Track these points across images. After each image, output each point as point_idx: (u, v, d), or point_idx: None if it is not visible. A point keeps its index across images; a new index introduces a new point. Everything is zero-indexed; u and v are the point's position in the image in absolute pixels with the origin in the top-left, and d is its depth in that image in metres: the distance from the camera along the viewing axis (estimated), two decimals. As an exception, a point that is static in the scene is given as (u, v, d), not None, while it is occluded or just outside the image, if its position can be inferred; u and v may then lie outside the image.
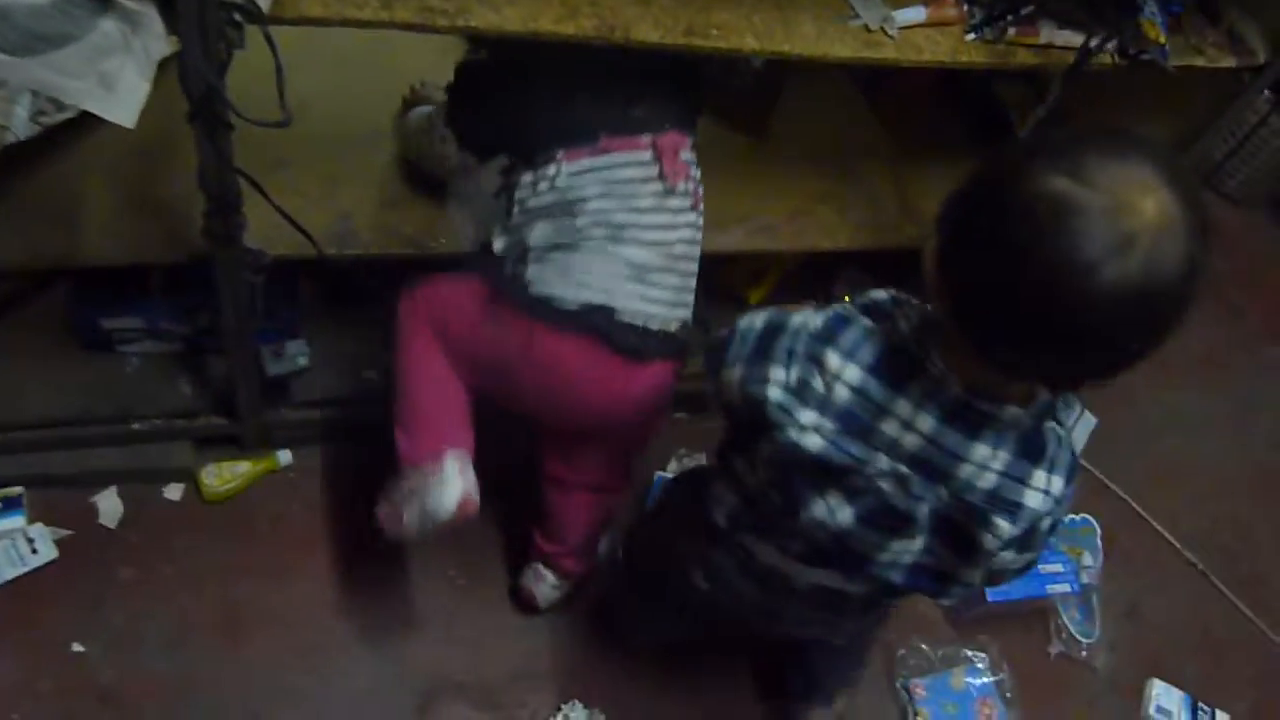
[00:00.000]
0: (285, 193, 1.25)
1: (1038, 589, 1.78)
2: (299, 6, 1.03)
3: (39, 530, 1.51)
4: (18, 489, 1.52)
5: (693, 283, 1.35)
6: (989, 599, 1.74)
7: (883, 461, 1.00)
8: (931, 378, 0.96)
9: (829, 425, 1.00)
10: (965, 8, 1.35)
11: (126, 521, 1.57)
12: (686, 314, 1.35)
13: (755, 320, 1.08)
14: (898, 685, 1.72)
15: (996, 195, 0.86)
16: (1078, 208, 0.79)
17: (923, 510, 1.01)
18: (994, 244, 0.85)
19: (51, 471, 1.54)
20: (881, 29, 1.30)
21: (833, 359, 1.00)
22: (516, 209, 1.29)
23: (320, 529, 1.64)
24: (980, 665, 1.76)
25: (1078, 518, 2.00)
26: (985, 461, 0.97)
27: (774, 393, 1.01)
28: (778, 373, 1.02)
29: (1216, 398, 2.27)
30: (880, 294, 1.09)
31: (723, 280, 1.87)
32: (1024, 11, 1.37)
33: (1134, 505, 2.04)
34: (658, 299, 1.30)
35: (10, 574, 1.48)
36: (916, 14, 1.32)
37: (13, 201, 1.28)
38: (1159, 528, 2.03)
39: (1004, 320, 0.87)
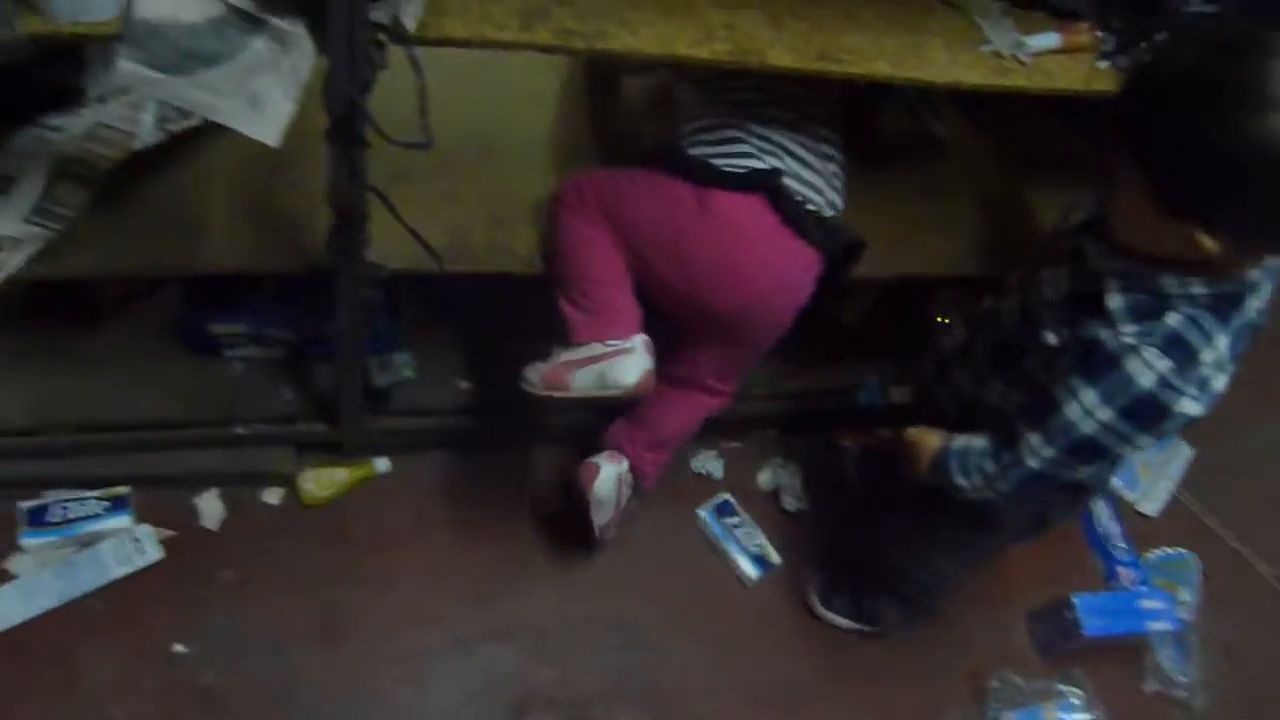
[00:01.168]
0: (402, 206, 1.25)
1: (1137, 625, 1.74)
2: (443, 28, 1.03)
3: (145, 531, 1.53)
4: (125, 488, 1.55)
5: (840, 195, 1.44)
6: (1086, 634, 1.70)
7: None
8: (1232, 279, 1.02)
9: (1230, 369, 1.05)
10: (1099, 34, 1.31)
11: (227, 524, 1.59)
12: (837, 212, 1.41)
13: (1121, 416, 1.05)
14: (988, 717, 1.69)
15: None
16: None
17: None
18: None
19: (156, 472, 1.56)
20: (1013, 55, 1.27)
21: (1207, 354, 1.01)
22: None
23: (417, 537, 1.65)
24: (1074, 701, 1.72)
25: (1174, 552, 1.95)
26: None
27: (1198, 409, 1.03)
28: (1188, 405, 1.02)
29: (1318, 431, 2.21)
30: (1119, 297, 1.06)
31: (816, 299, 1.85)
32: (1158, 38, 1.33)
33: (1233, 542, 1.99)
34: (815, 183, 1.38)
35: (119, 573, 1.50)
36: (1050, 40, 1.29)
37: (136, 208, 1.30)
38: (1259, 566, 1.97)
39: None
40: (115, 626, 1.48)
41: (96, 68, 1.32)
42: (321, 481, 1.62)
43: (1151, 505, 2.00)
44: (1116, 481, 1.99)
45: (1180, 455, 2.06)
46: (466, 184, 1.45)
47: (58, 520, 1.50)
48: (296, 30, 0.98)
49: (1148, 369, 1.01)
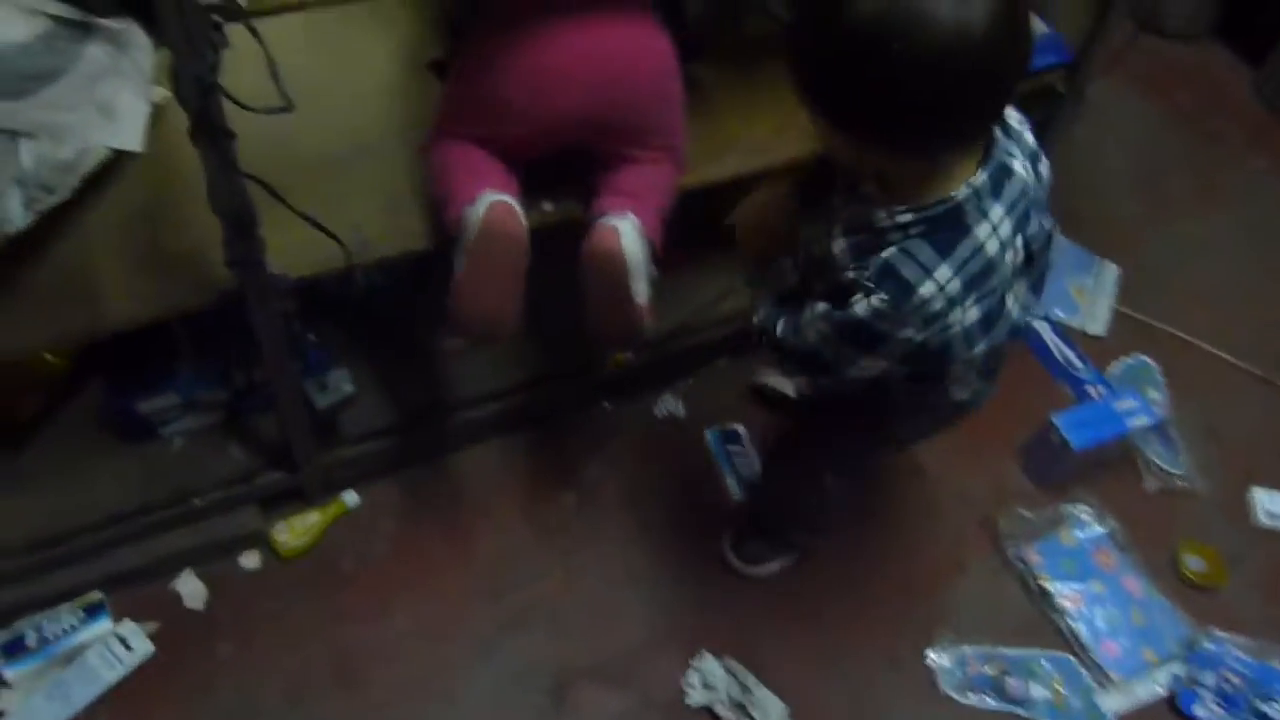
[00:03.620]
0: (292, 223, 1.24)
1: (1120, 427, 1.77)
2: (272, -4, 1.04)
3: (129, 627, 1.47)
4: (97, 594, 1.49)
5: None
6: (1075, 448, 1.72)
7: (1009, 255, 1.06)
8: (960, 201, 1.01)
9: (971, 301, 1.04)
10: None
11: (213, 600, 1.54)
12: None
13: (837, 334, 1.09)
14: (1010, 556, 1.69)
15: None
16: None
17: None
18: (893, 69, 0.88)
19: (123, 568, 1.51)
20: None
21: (926, 288, 1.01)
22: None
23: (405, 557, 1.61)
24: (1086, 517, 1.74)
25: (1132, 360, 1.99)
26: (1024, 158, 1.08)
27: (920, 337, 1.04)
28: (908, 333, 1.04)
29: (1221, 217, 2.29)
30: (841, 240, 1.08)
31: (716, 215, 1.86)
32: None
33: (1181, 335, 2.04)
34: None
35: (112, 678, 1.43)
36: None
37: (27, 288, 1.26)
38: (1212, 349, 2.03)
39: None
40: (125, 732, 1.42)
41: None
42: (295, 530, 1.58)
43: (1096, 325, 2.04)
44: (1057, 312, 2.04)
45: (1108, 273, 2.12)
46: (349, 183, 1.44)
47: (35, 645, 1.43)
48: (128, 27, 0.98)
49: (863, 300, 1.03)
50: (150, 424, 1.54)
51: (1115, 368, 1.98)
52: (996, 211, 1.03)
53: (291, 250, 1.29)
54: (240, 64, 1.03)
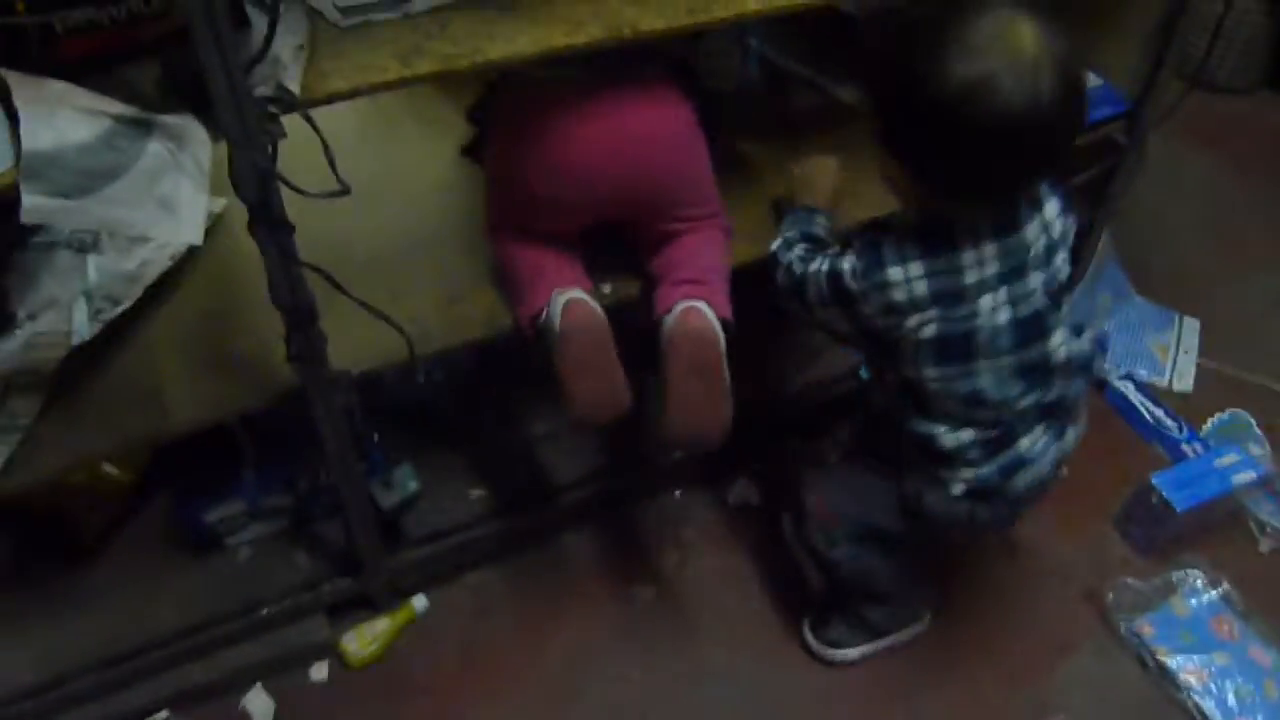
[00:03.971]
0: (351, 318, 1.22)
1: (1223, 484, 1.66)
2: (325, 86, 1.04)
3: (198, 748, 1.42)
4: (165, 714, 1.44)
5: None
6: (1179, 510, 1.61)
7: (986, 301, 1.17)
8: (961, 228, 1.15)
9: (933, 315, 1.16)
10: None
11: (282, 715, 1.48)
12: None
13: (822, 276, 1.25)
14: (1122, 631, 1.57)
15: (943, 111, 1.04)
16: (990, 76, 1.00)
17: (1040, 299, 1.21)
18: (974, 137, 1.05)
19: (191, 685, 1.46)
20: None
21: (893, 272, 1.14)
22: None
23: (477, 664, 1.54)
24: (1198, 584, 1.62)
25: (1226, 415, 1.89)
26: (1038, 231, 1.19)
27: (875, 322, 1.20)
28: (863, 307, 1.20)
29: (1300, 269, 2.20)
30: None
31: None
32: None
33: (1275, 387, 1.93)
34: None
35: (181, 803, 1.38)
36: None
37: (93, 396, 1.26)
38: (1310, 399, 1.92)
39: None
40: None
41: (21, 290, 1.31)
42: (364, 638, 1.52)
43: (1183, 382, 1.95)
44: (1141, 372, 1.95)
45: (1189, 330, 2.03)
46: (407, 278, 1.43)
47: (103, 770, 1.39)
48: (187, 122, 0.98)
49: (845, 259, 1.19)
50: (217, 534, 1.52)
51: (1210, 425, 1.88)
52: (988, 249, 1.15)
53: (352, 345, 1.28)
54: (294, 161, 1.04)
